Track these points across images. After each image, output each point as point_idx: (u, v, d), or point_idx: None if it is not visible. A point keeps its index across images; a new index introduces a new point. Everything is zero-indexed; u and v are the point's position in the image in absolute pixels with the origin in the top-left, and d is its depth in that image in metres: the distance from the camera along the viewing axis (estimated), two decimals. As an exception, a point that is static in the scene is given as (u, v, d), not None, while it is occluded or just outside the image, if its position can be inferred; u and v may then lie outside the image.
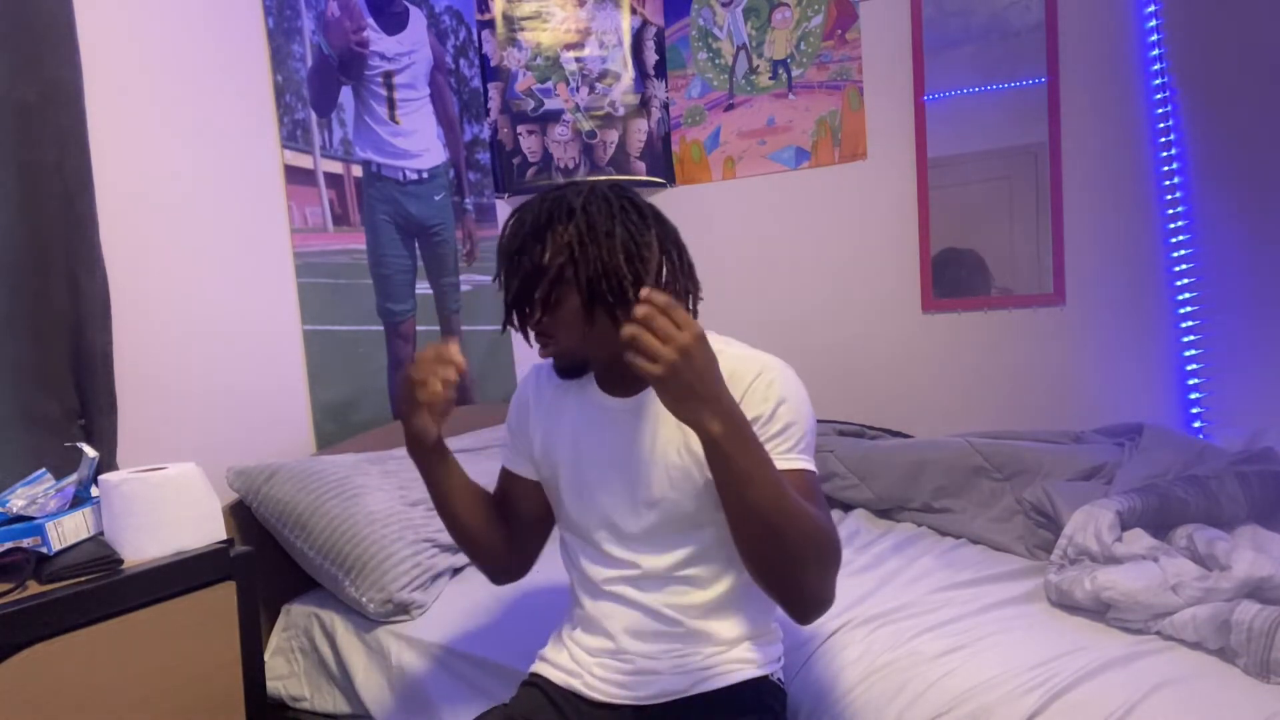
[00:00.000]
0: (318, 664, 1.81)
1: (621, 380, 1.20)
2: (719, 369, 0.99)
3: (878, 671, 1.38)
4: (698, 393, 0.96)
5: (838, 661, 1.42)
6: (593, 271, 1.09)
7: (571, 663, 1.24)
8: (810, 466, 1.10)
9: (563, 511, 1.27)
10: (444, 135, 2.62)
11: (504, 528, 1.31)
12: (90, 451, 1.38)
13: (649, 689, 1.18)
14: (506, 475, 1.35)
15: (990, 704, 1.25)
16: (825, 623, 1.51)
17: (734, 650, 1.19)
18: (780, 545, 1.01)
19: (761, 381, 1.10)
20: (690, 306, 1.17)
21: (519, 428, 1.31)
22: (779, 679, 1.25)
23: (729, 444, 0.98)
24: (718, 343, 1.15)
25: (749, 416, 1.04)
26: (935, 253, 2.55)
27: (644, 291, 0.96)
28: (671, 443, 1.15)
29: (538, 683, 1.26)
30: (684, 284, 1.18)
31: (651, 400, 1.16)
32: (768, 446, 1.05)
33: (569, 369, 1.20)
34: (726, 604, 1.19)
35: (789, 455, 1.08)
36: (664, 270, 1.16)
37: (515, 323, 1.16)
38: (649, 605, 1.18)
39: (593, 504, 1.22)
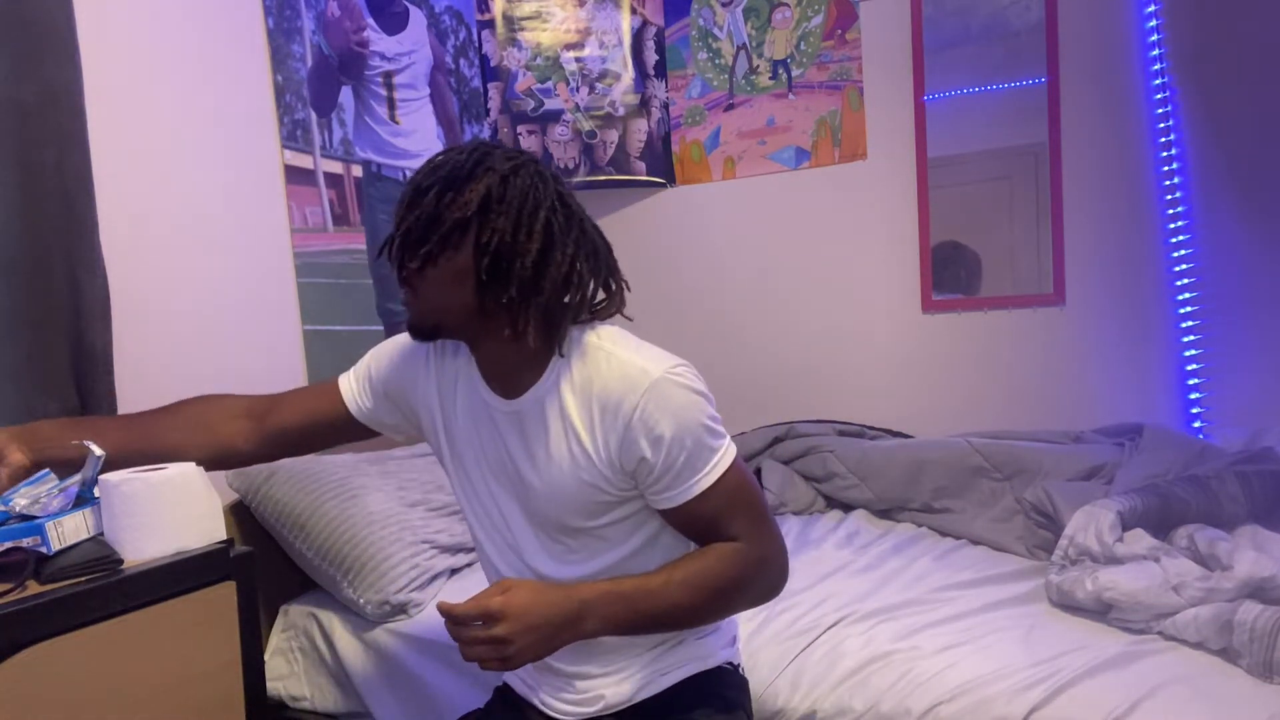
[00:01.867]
0: (317, 664, 1.81)
1: (499, 376, 1.12)
2: (547, 603, 1.01)
3: (878, 660, 1.38)
4: (553, 629, 1.01)
5: (837, 651, 1.42)
6: (497, 241, 0.99)
7: (527, 677, 1.24)
8: (723, 467, 1.06)
9: (457, 495, 1.23)
10: (444, 135, 2.62)
11: (221, 427, 1.32)
12: (96, 450, 1.38)
13: (595, 705, 1.16)
14: (330, 395, 1.27)
15: (991, 696, 1.25)
16: (824, 616, 1.51)
17: (673, 650, 1.17)
18: (705, 620, 1.14)
19: (642, 416, 1.02)
20: (561, 332, 1.07)
21: (399, 373, 1.23)
22: (733, 664, 1.22)
23: (612, 621, 1.05)
24: (604, 342, 1.09)
25: (635, 457, 1.04)
26: (935, 244, 2.55)
27: (440, 605, 0.98)
28: (565, 466, 1.08)
29: (506, 692, 1.27)
30: (576, 306, 1.07)
31: (532, 408, 1.09)
32: (672, 483, 1.05)
33: (421, 330, 1.10)
34: None
35: (700, 478, 1.05)
36: (569, 278, 1.05)
37: (392, 258, 1.06)
38: None
39: (479, 501, 1.18)
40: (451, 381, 1.19)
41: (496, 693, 1.28)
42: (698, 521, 1.08)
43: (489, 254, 1.00)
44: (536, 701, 1.21)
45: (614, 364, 1.06)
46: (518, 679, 1.25)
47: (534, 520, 1.14)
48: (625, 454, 1.04)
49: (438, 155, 1.06)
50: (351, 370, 1.30)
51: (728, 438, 1.10)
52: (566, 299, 1.06)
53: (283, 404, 1.30)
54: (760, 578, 1.11)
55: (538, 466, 1.10)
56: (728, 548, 1.08)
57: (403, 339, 1.24)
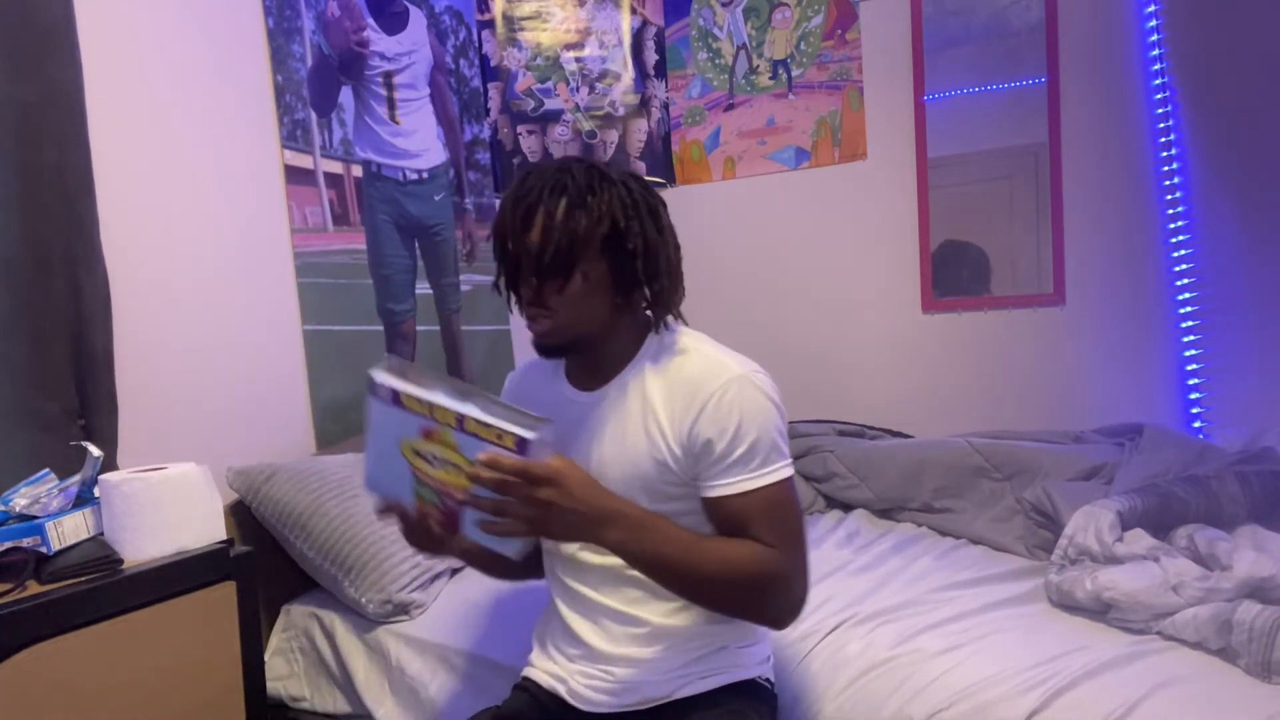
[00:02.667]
0: (318, 664, 1.81)
1: (590, 370, 1.18)
2: (594, 484, 1.02)
3: (878, 666, 1.38)
4: (586, 518, 1.00)
5: (838, 656, 1.42)
6: (643, 244, 1.08)
7: (555, 667, 1.24)
8: (779, 476, 1.10)
9: None
10: (444, 135, 2.62)
11: None
12: (95, 451, 1.38)
13: (630, 696, 1.16)
14: None
15: (991, 700, 1.25)
16: (825, 619, 1.51)
17: (716, 655, 1.18)
18: (712, 601, 1.11)
19: (718, 401, 1.08)
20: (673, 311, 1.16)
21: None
22: (767, 680, 1.24)
23: (634, 543, 1.03)
24: (689, 341, 1.16)
25: (702, 438, 1.08)
26: (935, 246, 2.55)
27: (481, 456, 0.94)
28: (639, 443, 1.13)
29: (528, 686, 1.26)
30: (680, 292, 1.16)
31: (616, 393, 1.15)
32: (724, 471, 1.09)
33: (558, 348, 1.15)
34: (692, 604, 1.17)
35: (751, 477, 1.09)
36: (679, 265, 1.15)
37: (513, 287, 1.11)
38: (616, 608, 1.17)
39: None
40: (529, 395, 1.25)
41: (515, 690, 1.28)
42: (735, 517, 1.10)
43: (639, 257, 1.08)
44: (563, 692, 1.20)
45: (700, 356, 1.13)
46: (544, 670, 1.25)
47: None
48: (694, 434, 1.09)
49: (527, 179, 1.08)
50: None
51: (790, 460, 1.13)
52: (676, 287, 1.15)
53: None
54: (777, 594, 1.10)
55: (615, 445, 1.14)
56: (761, 548, 1.09)
57: (505, 395, 1.30)
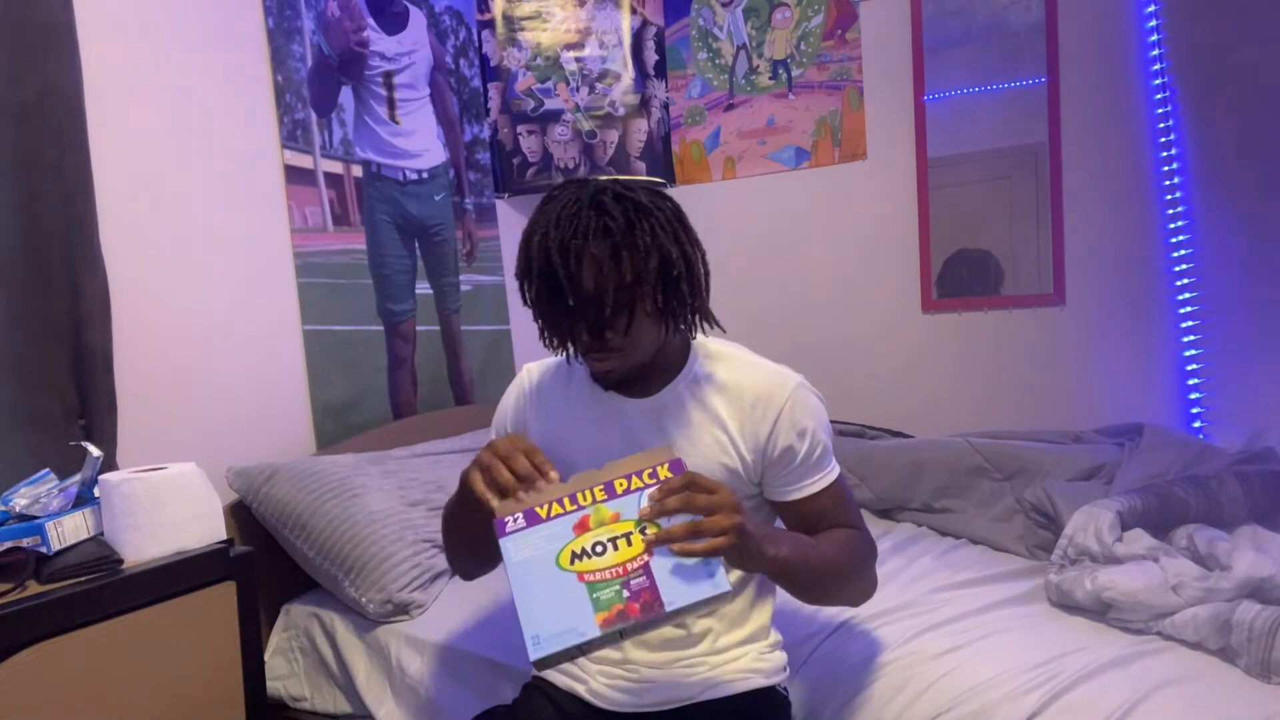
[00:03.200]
0: (318, 664, 1.81)
1: (637, 382, 1.18)
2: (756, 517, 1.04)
3: (879, 669, 1.38)
4: (761, 545, 1.00)
5: (838, 659, 1.42)
6: (684, 269, 1.07)
7: (574, 668, 1.24)
8: (836, 471, 1.20)
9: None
10: (444, 135, 2.62)
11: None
12: (95, 451, 1.38)
13: (653, 696, 1.17)
14: None
15: (991, 703, 1.25)
16: (826, 621, 1.51)
17: (740, 660, 1.19)
18: (840, 589, 1.17)
19: (791, 410, 1.14)
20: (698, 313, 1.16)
21: (519, 430, 1.28)
22: (784, 689, 1.25)
23: (796, 555, 1.06)
24: (729, 349, 1.21)
25: (781, 446, 1.14)
26: (949, 254, 2.54)
27: (652, 494, 0.93)
28: (709, 451, 1.15)
29: (540, 685, 1.26)
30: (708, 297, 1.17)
31: (673, 401, 1.17)
32: (805, 474, 1.16)
33: (623, 380, 1.17)
34: (731, 606, 1.19)
35: (824, 475, 1.18)
36: (709, 273, 1.15)
37: (581, 339, 1.09)
38: None
39: None
40: (559, 404, 1.25)
41: (526, 688, 1.28)
42: (817, 513, 1.18)
43: (684, 279, 1.08)
44: (583, 691, 1.21)
45: (756, 368, 1.18)
46: (563, 671, 1.25)
47: None
48: (773, 442, 1.15)
49: (560, 220, 1.04)
50: None
51: None
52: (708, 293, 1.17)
53: None
54: (870, 568, 1.20)
55: (679, 450, 1.15)
56: (852, 531, 1.19)
57: (510, 400, 1.30)
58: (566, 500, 0.92)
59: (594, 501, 0.92)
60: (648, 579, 0.90)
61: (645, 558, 0.90)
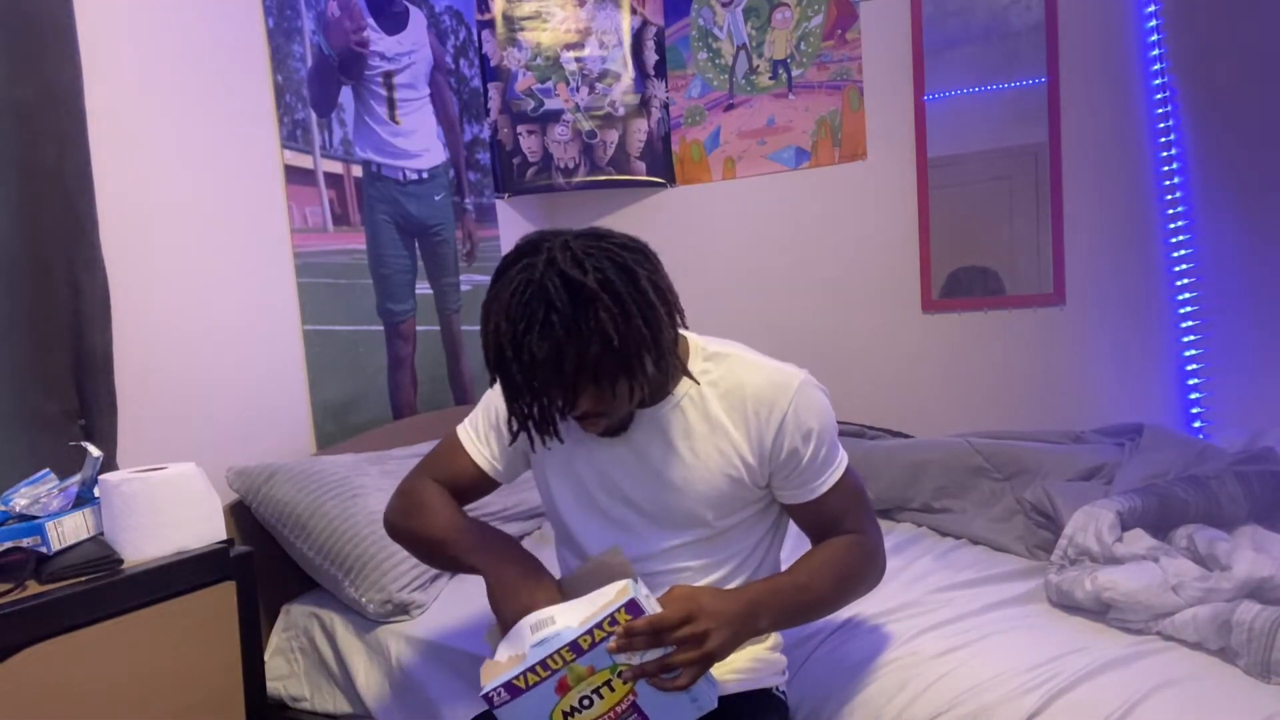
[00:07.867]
0: (318, 664, 1.81)
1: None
2: (727, 601, 1.05)
3: (878, 670, 1.38)
4: (741, 630, 1.04)
5: (838, 660, 1.42)
6: (643, 331, 1.00)
7: None
8: (845, 465, 1.20)
9: (566, 532, 1.27)
10: (444, 135, 2.62)
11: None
12: (95, 451, 1.38)
13: None
14: (467, 463, 1.29)
15: (990, 703, 1.25)
16: (825, 622, 1.51)
17: (738, 661, 1.19)
18: (840, 605, 1.22)
19: (795, 412, 1.13)
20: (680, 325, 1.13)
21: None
22: (781, 692, 1.25)
23: (782, 615, 1.11)
24: (729, 349, 1.19)
25: (787, 449, 1.14)
26: (949, 270, 2.54)
27: (613, 644, 0.96)
28: (713, 463, 1.15)
29: None
30: (681, 319, 1.13)
31: (674, 412, 1.16)
32: (812, 475, 1.16)
33: (618, 430, 1.16)
34: None
35: (832, 473, 1.18)
36: (676, 306, 1.10)
37: (556, 426, 1.06)
38: None
39: (601, 528, 1.22)
40: None
41: None
42: (824, 514, 1.19)
43: (649, 327, 1.02)
44: None
45: (758, 371, 1.16)
46: None
47: (659, 518, 1.19)
48: (778, 447, 1.14)
49: (510, 313, 1.00)
50: (479, 448, 1.30)
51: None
52: (680, 322, 1.12)
53: (462, 491, 1.32)
54: (874, 568, 1.22)
55: (682, 462, 1.16)
56: (849, 539, 1.19)
57: (496, 404, 1.28)
58: (539, 668, 0.97)
59: (565, 664, 0.97)
60: (639, 715, 1.00)
61: (632, 697, 0.99)
